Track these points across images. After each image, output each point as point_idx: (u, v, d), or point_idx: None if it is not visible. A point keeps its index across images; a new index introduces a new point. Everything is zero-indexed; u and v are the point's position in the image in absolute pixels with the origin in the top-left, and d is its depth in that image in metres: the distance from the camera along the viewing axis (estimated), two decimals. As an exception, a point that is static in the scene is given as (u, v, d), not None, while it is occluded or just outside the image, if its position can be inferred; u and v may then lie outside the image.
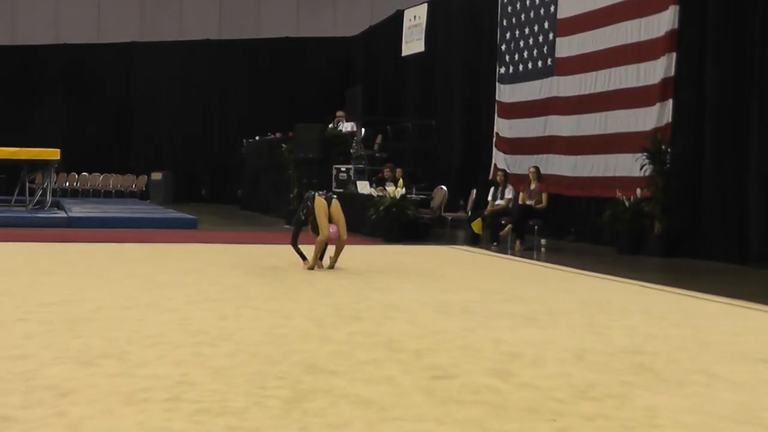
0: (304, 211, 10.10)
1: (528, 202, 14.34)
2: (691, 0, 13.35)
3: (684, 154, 13.33)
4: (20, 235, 13.68)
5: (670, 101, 13.59)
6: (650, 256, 13.07)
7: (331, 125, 19.86)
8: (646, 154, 13.39)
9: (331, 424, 3.80)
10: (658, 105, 13.73)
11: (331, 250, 10.26)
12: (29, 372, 4.58)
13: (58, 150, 18.59)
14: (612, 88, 14.97)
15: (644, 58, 14.15)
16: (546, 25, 17.15)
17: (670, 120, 13.58)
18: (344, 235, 10.17)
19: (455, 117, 21.02)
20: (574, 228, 15.92)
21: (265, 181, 23.46)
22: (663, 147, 13.34)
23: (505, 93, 18.54)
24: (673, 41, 13.55)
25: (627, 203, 13.67)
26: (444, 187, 16.32)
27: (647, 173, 13.48)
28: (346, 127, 20.13)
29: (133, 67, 29.85)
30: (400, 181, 15.33)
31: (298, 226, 10.20)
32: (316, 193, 10.17)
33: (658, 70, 13.78)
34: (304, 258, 10.08)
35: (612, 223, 13.81)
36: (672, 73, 13.56)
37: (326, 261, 10.21)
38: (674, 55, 13.55)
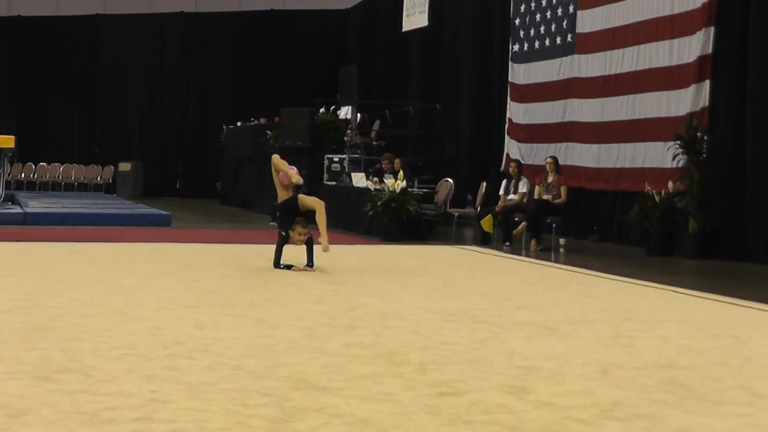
0: (280, 218, 10.22)
1: (545, 197, 14.33)
2: (730, -33, 13.37)
3: (723, 143, 13.33)
4: (-31, 233, 13.67)
5: (708, 82, 13.58)
6: (684, 258, 13.07)
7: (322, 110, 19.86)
8: (679, 142, 13.39)
9: (323, 448, 3.79)
10: (693, 87, 13.72)
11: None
12: (-21, 388, 4.57)
13: (12, 137, 18.56)
14: (641, 67, 14.96)
15: (678, 33, 14.15)
16: (566, -4, 17.16)
17: (707, 103, 13.58)
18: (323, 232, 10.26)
19: (463, 100, 21.02)
20: (597, 226, 15.92)
21: (248, 172, 23.46)
22: (699, 134, 13.33)
23: (520, 73, 18.54)
24: (712, 13, 13.54)
25: (658, 198, 13.67)
26: (450, 180, 16.31)
27: (681, 164, 13.48)
28: (343, 112, 20.13)
29: (97, 43, 29.80)
30: (401, 173, 15.32)
31: (280, 243, 10.21)
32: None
33: (693, 46, 13.78)
34: (291, 267, 10.08)
35: (640, 220, 13.81)
36: (710, 50, 13.55)
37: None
38: (712, 29, 13.53)
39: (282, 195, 10.41)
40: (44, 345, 5.67)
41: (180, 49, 29.81)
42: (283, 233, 10.17)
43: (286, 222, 10.17)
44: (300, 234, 10.08)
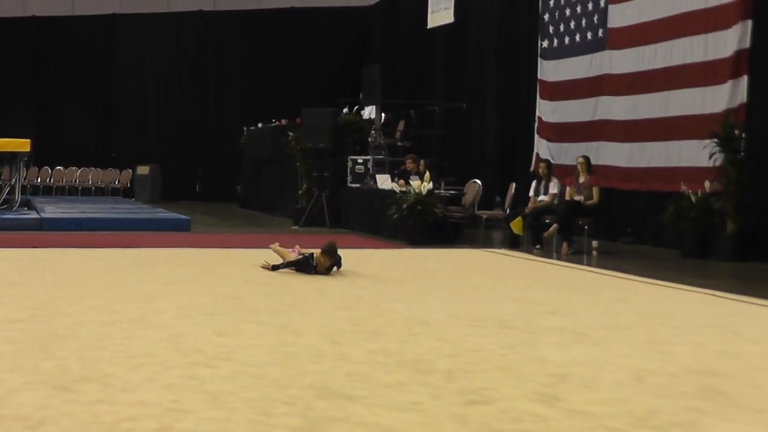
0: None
1: (576, 198, 14.29)
2: (768, -42, 13.29)
3: (761, 140, 13.24)
4: (-15, 239, 13.76)
5: (745, 78, 13.50)
6: (721, 261, 12.99)
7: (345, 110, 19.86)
8: (715, 140, 13.31)
9: (348, 458, 3.80)
10: (729, 83, 13.64)
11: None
12: (-4, 398, 4.60)
13: (28, 140, 18.67)
14: (675, 63, 14.89)
15: (713, 27, 14.06)
16: (596, -11, 17.11)
17: (744, 100, 13.50)
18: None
19: (490, 99, 20.97)
20: (630, 228, 15.85)
21: (269, 175, 23.51)
22: (736, 132, 13.25)
23: (549, 70, 18.49)
24: (748, 6, 13.46)
25: (693, 198, 13.60)
26: (478, 181, 16.28)
27: (717, 163, 13.40)
28: (366, 112, 20.12)
29: (114, 43, 29.93)
30: (426, 174, 15.30)
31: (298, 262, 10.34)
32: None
33: (729, 41, 13.70)
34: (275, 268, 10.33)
35: (675, 221, 13.75)
36: (747, 44, 13.47)
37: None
38: (750, 22, 13.46)
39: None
40: (62, 354, 5.70)
41: (198, 49, 29.90)
42: (309, 260, 10.22)
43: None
44: (325, 261, 10.12)
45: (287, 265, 10.33)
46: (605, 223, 15.61)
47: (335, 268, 10.27)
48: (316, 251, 10.18)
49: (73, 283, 9.16)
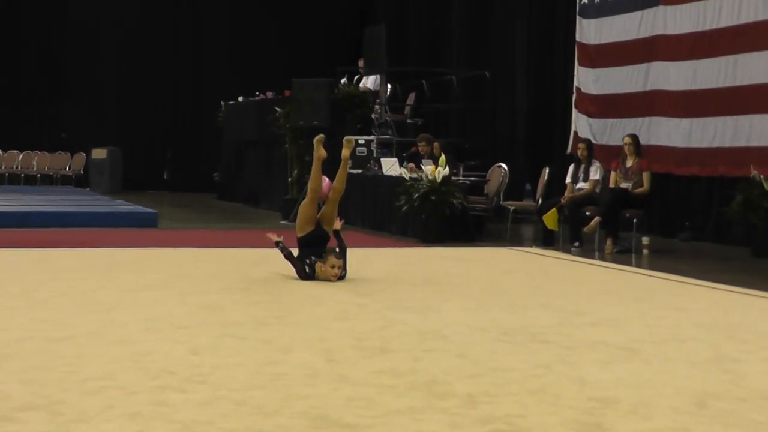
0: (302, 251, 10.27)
1: (623, 186, 14.29)
2: None
3: None
4: None
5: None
6: (799, 260, 13.02)
7: (344, 80, 19.87)
8: (793, 114, 13.33)
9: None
10: (809, 44, 13.67)
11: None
12: (-77, 430, 4.61)
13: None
14: (744, 20, 14.87)
15: (790, -24, 14.08)
16: (647, -68, 17.10)
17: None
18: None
19: (518, 66, 20.97)
20: (689, 221, 15.85)
21: (253, 159, 23.54)
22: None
23: (590, 31, 18.47)
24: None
25: (766, 185, 13.59)
26: (503, 166, 16.29)
27: (794, 142, 13.42)
28: (366, 83, 20.12)
29: (65, 2, 29.88)
30: (442, 157, 15.30)
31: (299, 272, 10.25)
32: None
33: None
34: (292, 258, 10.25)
35: (744, 213, 13.73)
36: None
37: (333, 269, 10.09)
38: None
39: (306, 227, 10.40)
40: (1, 377, 5.70)
41: (168, 7, 29.81)
42: (307, 269, 10.10)
43: (311, 253, 10.14)
44: (333, 267, 10.00)
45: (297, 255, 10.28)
46: (658, 215, 15.62)
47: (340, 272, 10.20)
48: (320, 264, 10.08)
49: (15, 292, 9.16)
